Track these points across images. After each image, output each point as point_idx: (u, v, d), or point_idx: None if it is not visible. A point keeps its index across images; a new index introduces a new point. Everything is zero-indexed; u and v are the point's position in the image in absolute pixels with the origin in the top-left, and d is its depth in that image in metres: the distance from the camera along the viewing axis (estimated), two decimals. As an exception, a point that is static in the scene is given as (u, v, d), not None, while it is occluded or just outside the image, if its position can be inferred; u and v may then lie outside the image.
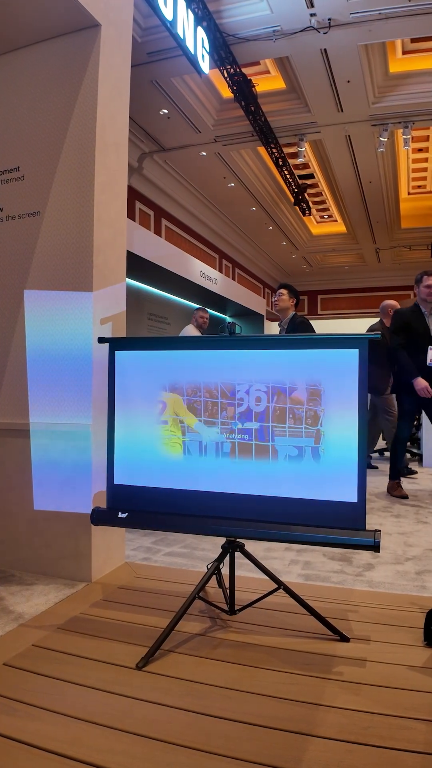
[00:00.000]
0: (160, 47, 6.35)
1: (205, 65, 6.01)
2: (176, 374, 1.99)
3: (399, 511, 3.82)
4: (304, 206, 10.60)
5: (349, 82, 7.08)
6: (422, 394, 3.93)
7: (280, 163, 8.95)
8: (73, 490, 2.43)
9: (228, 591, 2.03)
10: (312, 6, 5.73)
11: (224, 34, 6.16)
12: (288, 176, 9.45)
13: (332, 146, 9.04)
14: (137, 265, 6.83)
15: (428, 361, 3.98)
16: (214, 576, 2.01)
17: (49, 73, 2.55)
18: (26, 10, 2.39)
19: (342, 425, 1.79)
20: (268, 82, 7.47)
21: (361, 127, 8.27)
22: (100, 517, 2.04)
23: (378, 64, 7.02)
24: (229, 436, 1.91)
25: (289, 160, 9.35)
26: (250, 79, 6.89)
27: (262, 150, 9.13)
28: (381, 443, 6.96)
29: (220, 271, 12.58)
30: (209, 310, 7.09)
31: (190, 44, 5.68)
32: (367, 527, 1.76)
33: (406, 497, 4.26)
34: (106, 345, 2.14)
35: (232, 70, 6.53)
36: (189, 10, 5.58)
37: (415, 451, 6.39)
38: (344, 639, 1.84)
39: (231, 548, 1.98)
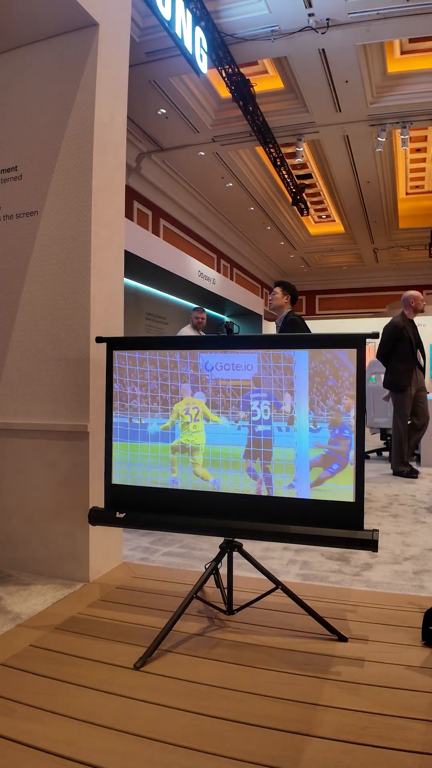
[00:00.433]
0: (158, 47, 6.35)
1: (203, 65, 6.01)
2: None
3: (397, 510, 3.82)
4: (302, 206, 10.61)
5: (347, 82, 7.09)
6: None
7: (278, 163, 8.95)
8: (71, 490, 2.42)
9: (226, 591, 2.03)
10: (310, 6, 5.73)
11: (222, 34, 6.16)
12: (286, 176, 9.46)
13: (330, 146, 9.05)
14: (135, 265, 6.83)
15: None
16: (212, 576, 2.00)
17: (46, 73, 2.54)
18: (24, 9, 2.38)
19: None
20: (266, 82, 7.47)
21: (359, 127, 8.28)
22: (97, 517, 2.04)
23: (376, 64, 7.03)
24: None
25: (287, 160, 9.35)
26: (248, 79, 6.90)
27: (260, 150, 9.13)
28: (379, 443, 6.96)
29: (218, 271, 12.58)
30: (207, 310, 7.10)
31: (188, 44, 5.67)
32: (365, 527, 1.76)
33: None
34: (104, 345, 2.13)
35: (230, 70, 6.53)
36: (187, 10, 5.57)
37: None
38: (342, 639, 1.83)
39: (229, 548, 1.97)
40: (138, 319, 7.90)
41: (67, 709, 1.43)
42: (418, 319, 5.45)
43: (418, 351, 5.24)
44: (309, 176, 10.56)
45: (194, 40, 5.77)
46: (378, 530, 1.73)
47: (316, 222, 13.24)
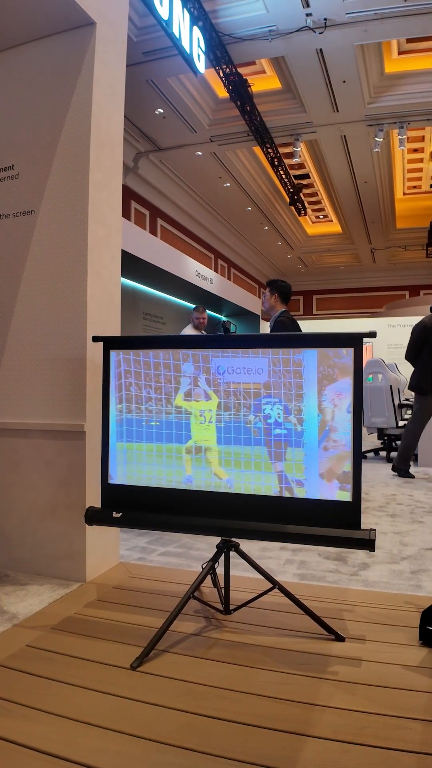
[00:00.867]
0: (155, 47, 6.35)
1: (200, 65, 6.01)
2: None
3: (394, 510, 3.82)
4: (300, 206, 10.63)
5: (344, 82, 7.10)
6: None
7: (276, 162, 8.96)
8: (68, 490, 2.41)
9: (223, 591, 2.03)
10: (308, 6, 5.74)
11: (220, 34, 6.16)
12: (283, 176, 9.47)
13: (328, 146, 9.06)
14: (133, 265, 6.83)
15: None
16: (209, 576, 2.00)
17: (43, 72, 2.54)
18: (21, 8, 2.38)
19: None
20: (263, 81, 7.48)
21: (356, 127, 8.29)
22: (94, 517, 2.03)
23: (374, 64, 7.04)
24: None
25: (285, 160, 9.36)
26: (246, 79, 6.90)
27: (257, 150, 9.14)
28: (377, 443, 6.97)
29: (216, 270, 12.59)
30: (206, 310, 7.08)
31: (185, 44, 5.67)
32: (363, 526, 1.76)
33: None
34: (101, 344, 2.13)
35: (227, 70, 6.53)
36: (185, 10, 5.57)
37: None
38: (339, 638, 1.83)
39: (226, 548, 1.97)
40: (135, 319, 7.90)
41: (63, 710, 1.43)
42: None
43: None
44: (306, 176, 10.57)
45: (192, 39, 5.77)
46: (375, 530, 1.73)
47: (313, 222, 13.26)
